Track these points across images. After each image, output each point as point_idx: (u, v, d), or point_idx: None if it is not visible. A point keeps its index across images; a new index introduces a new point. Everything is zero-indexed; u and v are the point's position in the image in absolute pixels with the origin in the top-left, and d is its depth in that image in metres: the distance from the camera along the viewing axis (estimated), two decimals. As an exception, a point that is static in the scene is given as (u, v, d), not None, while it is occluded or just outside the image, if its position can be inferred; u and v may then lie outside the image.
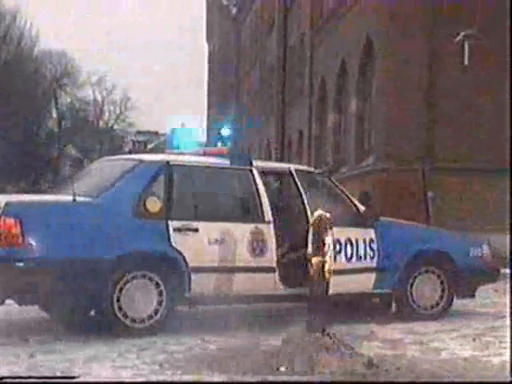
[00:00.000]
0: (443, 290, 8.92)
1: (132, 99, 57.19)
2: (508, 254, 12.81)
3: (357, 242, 8.46)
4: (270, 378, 5.58)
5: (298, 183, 8.45)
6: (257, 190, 8.16)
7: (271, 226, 8.06)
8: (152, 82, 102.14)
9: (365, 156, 19.21)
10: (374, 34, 18.33)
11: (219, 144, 8.84)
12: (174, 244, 7.53)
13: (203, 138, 43.49)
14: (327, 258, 6.28)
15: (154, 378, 5.64)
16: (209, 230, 7.71)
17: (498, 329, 7.97)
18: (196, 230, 7.64)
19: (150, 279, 7.41)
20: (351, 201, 8.79)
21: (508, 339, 6.98)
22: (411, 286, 8.78)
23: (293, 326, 6.27)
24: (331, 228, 6.35)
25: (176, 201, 7.76)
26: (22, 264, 6.91)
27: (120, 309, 7.26)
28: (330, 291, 6.43)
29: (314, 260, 6.28)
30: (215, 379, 5.59)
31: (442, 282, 8.91)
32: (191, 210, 7.82)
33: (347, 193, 8.93)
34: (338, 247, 8.18)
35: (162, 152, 9.62)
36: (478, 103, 16.84)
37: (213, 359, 6.08)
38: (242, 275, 7.84)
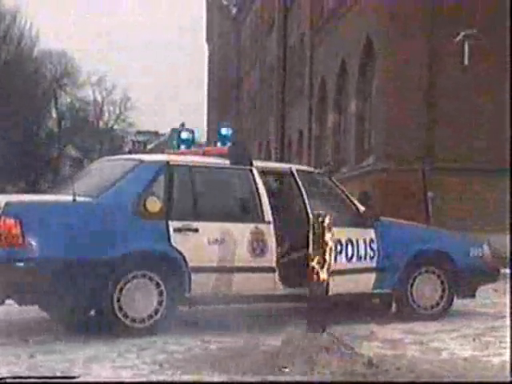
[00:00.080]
0: (443, 290, 8.92)
1: (132, 99, 57.29)
2: (508, 253, 12.81)
3: (357, 242, 8.46)
4: (270, 378, 5.58)
5: (299, 183, 8.45)
6: (257, 189, 8.17)
7: (271, 226, 8.06)
8: (152, 82, 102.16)
9: (365, 156, 19.22)
10: (373, 34, 18.33)
11: (219, 144, 8.82)
12: (174, 244, 7.53)
13: (203, 138, 43.54)
14: (327, 258, 6.28)
15: (154, 378, 5.64)
16: (209, 230, 7.71)
17: (498, 329, 7.98)
18: (196, 230, 7.64)
19: (150, 279, 7.41)
20: (351, 201, 8.80)
21: (508, 339, 6.98)
22: (411, 286, 8.78)
23: (293, 326, 6.27)
24: (331, 228, 6.35)
25: (176, 201, 7.76)
26: (22, 264, 6.91)
27: (120, 309, 7.26)
28: (331, 291, 6.43)
29: (314, 260, 6.28)
30: (215, 379, 5.59)
31: (442, 282, 8.91)
32: (191, 210, 7.82)
33: (347, 193, 8.94)
34: (338, 247, 8.19)
35: (162, 152, 9.61)
36: (477, 103, 16.84)
37: (213, 359, 6.08)
38: (242, 275, 7.84)
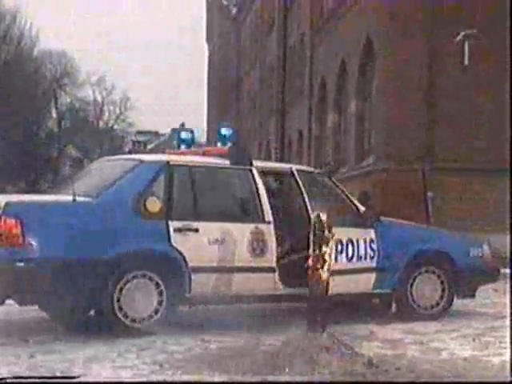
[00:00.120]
0: (443, 290, 8.92)
1: (132, 99, 57.31)
2: (508, 253, 12.80)
3: (357, 242, 8.47)
4: (270, 378, 5.58)
5: (300, 183, 8.46)
6: (257, 189, 8.16)
7: (271, 226, 8.06)
8: (152, 82, 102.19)
9: (365, 156, 19.22)
10: (373, 33, 18.33)
11: (219, 144, 8.82)
12: (174, 244, 7.53)
13: (203, 138, 43.55)
14: (327, 258, 6.29)
15: (154, 378, 5.64)
16: (209, 230, 7.71)
17: (497, 329, 7.97)
18: (196, 230, 7.64)
19: (150, 279, 7.41)
20: (351, 201, 8.80)
21: (508, 339, 6.98)
22: (411, 285, 8.77)
23: (293, 326, 6.27)
24: (331, 228, 6.36)
25: (176, 201, 7.76)
26: (22, 264, 6.91)
27: (120, 309, 7.26)
28: (331, 291, 6.43)
29: (314, 260, 6.28)
30: (215, 379, 5.59)
31: (442, 282, 8.91)
32: (191, 210, 7.82)
33: (347, 193, 8.93)
34: (339, 247, 8.19)
35: (162, 152, 9.62)
36: (477, 103, 16.84)
37: (213, 359, 6.08)
38: (242, 275, 7.84)
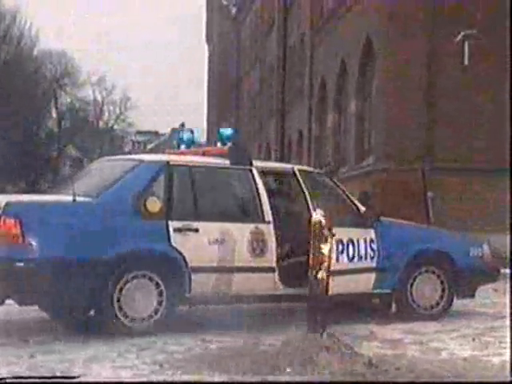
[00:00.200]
0: (443, 290, 8.92)
1: (132, 99, 57.32)
2: (508, 253, 12.81)
3: (358, 242, 8.47)
4: (270, 378, 5.58)
5: (302, 183, 8.45)
6: (257, 189, 8.17)
7: (271, 226, 8.06)
8: (152, 82, 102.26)
9: (365, 156, 19.22)
10: (373, 33, 18.32)
11: (219, 144, 8.81)
12: (174, 244, 7.53)
13: (203, 138, 43.59)
14: (327, 258, 6.29)
15: (154, 378, 5.64)
16: (209, 230, 7.71)
17: (497, 329, 7.98)
18: (196, 230, 7.64)
19: (150, 279, 7.41)
20: (352, 201, 8.80)
21: (508, 339, 6.98)
22: (411, 285, 8.78)
23: (293, 326, 6.27)
24: (331, 228, 6.36)
25: (176, 201, 7.76)
26: (22, 264, 6.91)
27: (120, 309, 7.26)
28: (331, 291, 6.43)
29: (315, 260, 6.28)
30: (215, 379, 5.59)
31: (442, 282, 8.91)
32: (191, 210, 7.82)
33: (348, 193, 8.94)
34: (340, 247, 8.20)
35: (162, 152, 9.61)
36: (477, 103, 16.83)
37: (213, 359, 6.08)
38: (242, 275, 7.84)
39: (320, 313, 6.30)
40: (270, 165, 9.56)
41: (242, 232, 7.88)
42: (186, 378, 5.64)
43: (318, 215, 6.39)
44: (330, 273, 6.40)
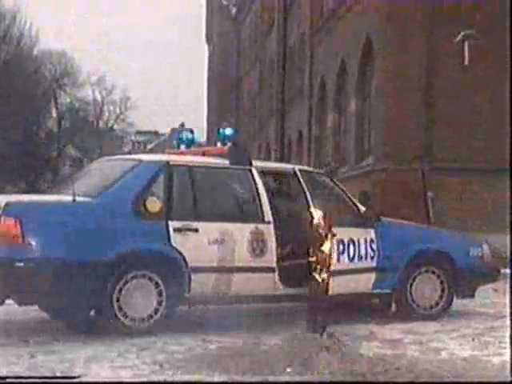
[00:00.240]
0: (443, 290, 8.92)
1: (132, 99, 57.30)
2: (508, 253, 12.81)
3: (358, 242, 8.47)
4: (270, 378, 5.58)
5: (303, 184, 8.45)
6: (257, 189, 8.17)
7: (271, 226, 8.06)
8: (152, 82, 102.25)
9: (364, 156, 19.22)
10: (373, 34, 18.33)
11: (219, 144, 8.80)
12: (174, 244, 7.54)
13: (203, 138, 43.61)
14: (327, 258, 6.29)
15: (154, 378, 5.64)
16: (209, 230, 7.71)
17: (497, 329, 7.98)
18: (196, 230, 7.65)
19: (150, 279, 7.41)
20: (352, 201, 8.80)
21: (508, 339, 6.98)
22: (411, 285, 8.78)
23: (293, 326, 6.28)
24: (331, 228, 6.36)
25: (176, 201, 7.76)
26: (22, 264, 6.91)
27: (120, 309, 7.26)
28: (331, 291, 6.44)
29: (315, 260, 6.29)
30: (215, 379, 5.59)
31: (441, 282, 8.91)
32: (191, 210, 7.82)
33: (348, 193, 8.94)
34: (341, 247, 8.20)
35: (162, 152, 9.61)
36: (476, 103, 16.84)
37: (213, 359, 6.08)
38: (241, 275, 7.84)
39: (320, 313, 6.30)
40: (271, 165, 9.57)
41: (241, 232, 7.88)
42: (186, 378, 5.64)
43: (317, 215, 6.40)
44: (330, 273, 6.41)
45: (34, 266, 6.94)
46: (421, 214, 15.81)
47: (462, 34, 16.45)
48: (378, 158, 17.61)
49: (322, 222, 6.37)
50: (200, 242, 7.63)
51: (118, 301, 7.25)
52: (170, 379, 5.61)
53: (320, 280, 6.27)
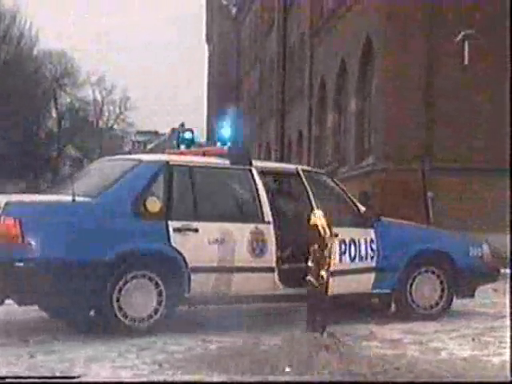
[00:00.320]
0: (443, 290, 8.91)
1: (132, 99, 57.36)
2: (508, 253, 12.81)
3: (359, 242, 8.47)
4: (270, 378, 5.58)
5: (306, 184, 8.45)
6: (256, 190, 8.16)
7: (271, 226, 8.05)
8: (152, 82, 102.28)
9: (364, 156, 19.22)
10: (373, 33, 18.33)
11: (219, 144, 8.82)
12: (173, 244, 7.53)
13: (203, 138, 43.61)
14: (327, 257, 6.29)
15: (154, 378, 5.64)
16: (209, 230, 7.71)
17: (497, 329, 7.98)
18: (196, 230, 7.64)
19: (150, 279, 7.41)
20: (352, 201, 8.80)
21: (508, 339, 6.99)
22: (411, 285, 8.77)
23: (293, 326, 6.28)
24: (331, 228, 6.36)
25: (176, 201, 7.76)
26: (21, 264, 6.91)
27: (120, 309, 7.26)
28: (332, 291, 6.44)
29: (315, 260, 6.29)
30: (215, 379, 5.59)
31: (441, 282, 8.90)
32: (191, 210, 7.82)
33: (348, 193, 8.94)
34: (342, 247, 8.20)
35: (162, 152, 9.61)
36: (476, 103, 16.84)
37: (213, 359, 6.08)
38: (241, 275, 7.84)
39: (320, 313, 6.30)
40: (273, 165, 9.57)
41: (241, 232, 7.88)
42: (186, 378, 5.64)
43: (317, 215, 6.40)
44: (330, 273, 6.41)
45: (34, 266, 6.94)
46: (421, 213, 15.82)
47: (462, 33, 16.45)
48: (378, 157, 17.61)
49: (323, 222, 6.37)
50: (200, 242, 7.63)
51: (117, 301, 7.24)
52: (169, 379, 5.61)
53: (316, 283, 6.26)
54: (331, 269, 6.67)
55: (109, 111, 58.59)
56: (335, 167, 20.05)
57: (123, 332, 7.22)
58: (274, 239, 8.03)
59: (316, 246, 6.30)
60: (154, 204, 7.54)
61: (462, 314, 9.09)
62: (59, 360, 6.14)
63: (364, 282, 8.55)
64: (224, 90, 46.52)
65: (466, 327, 8.20)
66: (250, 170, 8.25)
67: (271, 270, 8.01)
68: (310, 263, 6.34)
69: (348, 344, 6.24)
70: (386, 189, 16.70)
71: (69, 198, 7.26)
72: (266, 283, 8.00)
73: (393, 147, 17.14)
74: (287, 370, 5.69)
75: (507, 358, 6.21)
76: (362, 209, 8.72)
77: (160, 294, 7.43)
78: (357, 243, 8.44)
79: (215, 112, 47.51)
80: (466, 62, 16.60)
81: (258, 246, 7.93)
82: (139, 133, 66.16)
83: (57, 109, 51.66)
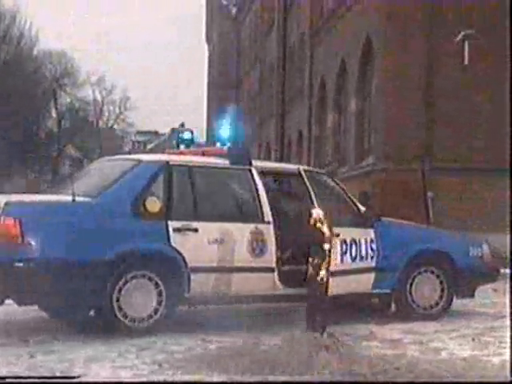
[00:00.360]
0: (443, 290, 8.91)
1: (132, 99, 57.34)
2: (508, 253, 12.81)
3: (360, 242, 8.46)
4: (270, 378, 5.58)
5: (308, 184, 8.44)
6: (256, 190, 8.16)
7: (271, 226, 8.05)
8: (152, 82, 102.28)
9: (364, 156, 19.22)
10: (373, 33, 18.33)
11: (219, 144, 8.83)
12: (173, 244, 7.53)
13: (203, 138, 43.62)
14: (327, 257, 6.29)
15: (154, 378, 5.64)
16: (208, 230, 7.71)
17: (497, 329, 7.98)
18: (196, 230, 7.64)
19: (150, 279, 7.41)
20: (353, 201, 8.80)
21: (508, 339, 6.99)
22: (411, 285, 8.77)
23: (292, 326, 6.28)
24: (331, 228, 6.36)
25: (175, 201, 7.76)
26: (21, 264, 6.91)
27: (120, 309, 7.26)
28: (332, 292, 6.43)
29: (315, 261, 6.29)
30: (215, 379, 5.59)
31: (441, 282, 8.90)
32: (191, 210, 7.81)
33: (348, 193, 8.93)
34: (344, 248, 8.20)
35: (162, 152, 9.61)
36: (476, 103, 16.84)
37: (212, 359, 6.08)
38: (241, 275, 7.84)
39: (320, 313, 6.30)
40: (275, 165, 9.57)
41: (241, 232, 7.88)
42: (185, 377, 5.64)
43: (318, 215, 6.39)
44: (332, 273, 6.40)
45: (34, 266, 6.94)
46: (421, 213, 15.82)
47: (462, 33, 16.45)
48: (378, 157, 17.61)
49: (323, 221, 6.37)
50: (200, 242, 7.63)
51: (117, 301, 7.24)
52: (169, 379, 5.61)
53: (319, 279, 6.26)
54: (332, 269, 6.68)
55: (109, 111, 58.64)
56: (335, 167, 20.05)
57: (123, 332, 7.22)
58: (273, 239, 8.03)
59: (316, 246, 6.30)
60: (154, 204, 7.53)
61: (462, 314, 9.09)
62: (59, 360, 6.14)
63: (364, 282, 8.54)
64: (224, 90, 46.52)
65: (465, 327, 8.20)
66: (250, 170, 8.25)
67: (271, 270, 8.01)
68: (310, 262, 6.34)
69: (348, 344, 6.24)
70: (385, 189, 16.70)
71: (69, 198, 7.26)
72: (266, 283, 8.00)
73: (393, 147, 17.14)
74: (288, 370, 5.69)
75: (507, 357, 6.21)
76: (362, 209, 8.71)
77: (160, 293, 7.43)
78: (358, 243, 8.44)
79: (215, 112, 47.53)
80: (466, 62, 16.60)
81: (257, 246, 7.93)
82: (139, 133, 66.16)
83: (57, 109, 51.64)
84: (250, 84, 40.55)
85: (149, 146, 69.37)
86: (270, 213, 8.09)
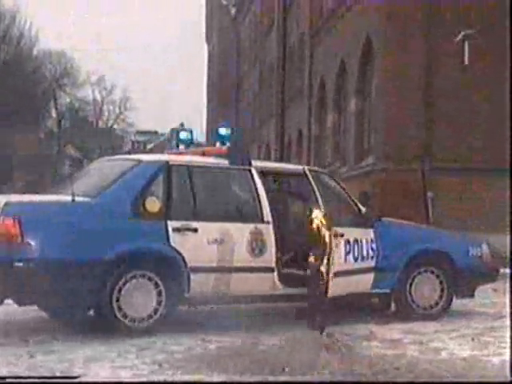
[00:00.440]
0: (442, 290, 8.91)
1: (132, 99, 57.39)
2: (508, 253, 12.80)
3: (361, 242, 8.46)
4: (270, 378, 5.58)
5: (313, 184, 8.43)
6: (256, 190, 8.16)
7: (270, 226, 8.05)
8: (152, 82, 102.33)
9: (364, 156, 19.21)
10: (373, 33, 18.33)
11: (218, 144, 8.81)
12: (173, 244, 7.53)
13: (203, 138, 43.64)
14: (327, 258, 6.30)
15: (153, 378, 5.64)
16: (208, 229, 7.71)
17: (497, 329, 7.98)
18: (195, 230, 7.64)
19: (150, 279, 7.41)
20: (353, 201, 8.80)
21: (508, 339, 6.98)
22: (410, 285, 8.77)
23: (292, 326, 6.28)
24: (331, 228, 6.36)
25: (175, 201, 7.76)
26: (21, 264, 6.91)
27: (119, 309, 7.25)
28: (332, 292, 6.44)
29: (315, 261, 6.29)
30: (215, 379, 5.59)
31: (441, 282, 8.90)
32: (190, 210, 7.81)
33: (349, 193, 8.93)
34: (347, 248, 8.19)
35: (162, 152, 9.61)
36: (476, 103, 16.83)
37: (212, 359, 6.09)
38: (241, 275, 7.84)
39: (320, 313, 6.31)
40: (278, 165, 9.57)
41: (241, 232, 7.88)
42: (185, 377, 5.64)
43: (318, 214, 6.40)
44: (335, 273, 6.40)
45: (34, 266, 6.93)
46: (421, 213, 15.81)
47: (462, 33, 16.44)
48: (378, 157, 17.60)
49: (322, 221, 6.37)
50: (199, 242, 7.63)
51: (117, 301, 7.24)
52: (169, 379, 5.61)
53: (319, 279, 6.26)
54: (336, 269, 6.68)
55: (109, 111, 58.71)
56: (336, 167, 20.06)
57: (123, 332, 7.21)
58: (273, 239, 8.02)
59: (316, 246, 6.30)
60: (154, 204, 7.53)
61: (462, 314, 9.09)
62: (59, 360, 6.14)
63: (364, 282, 8.54)
64: (224, 90, 46.52)
65: (466, 327, 8.20)
66: (250, 170, 8.25)
67: (271, 270, 8.00)
68: (309, 262, 6.35)
69: (348, 344, 6.25)
70: (385, 189, 16.68)
71: (68, 198, 7.26)
72: (266, 283, 7.99)
73: (393, 147, 17.13)
74: (288, 370, 5.69)
75: (507, 357, 6.21)
76: (363, 209, 8.71)
77: (159, 293, 7.42)
78: (359, 243, 8.44)
79: (215, 112, 47.55)
80: (466, 62, 16.59)
81: (257, 246, 7.93)
82: (139, 133, 66.19)
83: (56, 109, 51.68)
84: (249, 84, 40.55)
85: (149, 146, 69.39)
86: (269, 213, 8.09)
